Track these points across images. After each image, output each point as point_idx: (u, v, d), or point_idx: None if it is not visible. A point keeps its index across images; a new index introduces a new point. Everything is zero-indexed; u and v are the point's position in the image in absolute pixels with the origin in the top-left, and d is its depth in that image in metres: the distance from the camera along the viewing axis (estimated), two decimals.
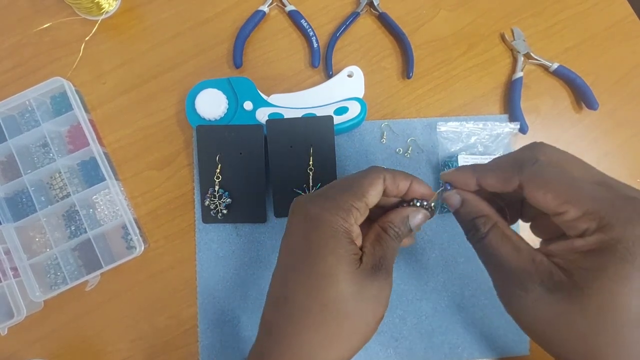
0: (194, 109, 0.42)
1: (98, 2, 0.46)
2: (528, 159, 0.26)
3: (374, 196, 0.28)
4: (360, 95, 0.44)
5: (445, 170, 0.30)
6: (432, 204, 0.30)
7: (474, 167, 0.28)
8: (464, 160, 0.42)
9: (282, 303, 0.28)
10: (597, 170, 0.26)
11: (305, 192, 0.41)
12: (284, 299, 0.28)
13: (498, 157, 0.29)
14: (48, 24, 0.48)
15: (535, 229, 0.31)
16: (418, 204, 0.29)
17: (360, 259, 0.27)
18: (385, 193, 0.29)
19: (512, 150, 0.43)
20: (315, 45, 0.46)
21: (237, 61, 0.46)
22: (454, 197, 0.29)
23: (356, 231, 0.27)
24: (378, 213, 0.30)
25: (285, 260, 0.29)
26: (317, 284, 0.26)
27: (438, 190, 0.30)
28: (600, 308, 0.22)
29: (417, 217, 0.29)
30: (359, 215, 0.27)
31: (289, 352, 0.26)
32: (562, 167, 0.26)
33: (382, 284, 0.27)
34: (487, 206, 0.28)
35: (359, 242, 0.28)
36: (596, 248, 0.23)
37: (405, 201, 0.30)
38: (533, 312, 0.24)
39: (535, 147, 0.27)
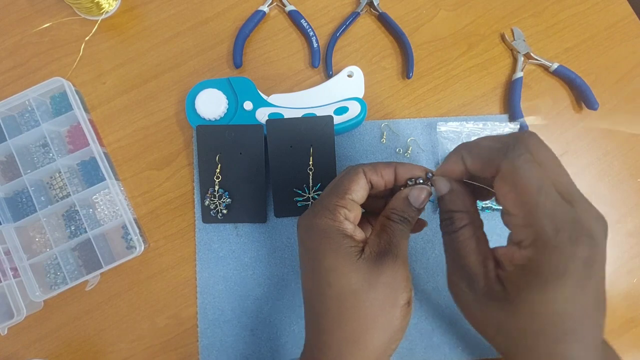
0: (194, 109, 0.42)
1: (98, 2, 0.46)
2: (516, 148, 0.25)
3: (357, 191, 0.29)
4: (360, 95, 0.44)
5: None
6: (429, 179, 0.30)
7: (462, 153, 0.28)
8: None
9: (308, 313, 0.30)
10: (570, 181, 0.26)
11: (305, 192, 0.41)
12: (308, 309, 0.30)
13: (490, 137, 0.28)
14: (48, 24, 0.48)
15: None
16: (412, 183, 0.30)
17: (363, 250, 0.28)
18: (374, 185, 0.30)
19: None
20: (315, 45, 0.46)
21: (237, 61, 0.46)
22: (443, 184, 0.29)
23: (349, 227, 0.28)
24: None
25: (302, 274, 0.31)
26: (325, 282, 0.27)
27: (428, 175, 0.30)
28: (523, 320, 0.25)
29: (415, 193, 0.29)
30: (348, 212, 0.29)
31: (320, 355, 0.28)
32: (543, 169, 0.25)
33: (391, 269, 0.27)
34: (471, 202, 0.29)
35: (358, 235, 0.29)
36: (526, 264, 0.24)
37: (402, 187, 0.31)
38: (473, 307, 0.28)
39: (527, 137, 0.26)
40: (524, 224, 0.24)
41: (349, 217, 0.29)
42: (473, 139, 0.43)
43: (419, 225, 0.34)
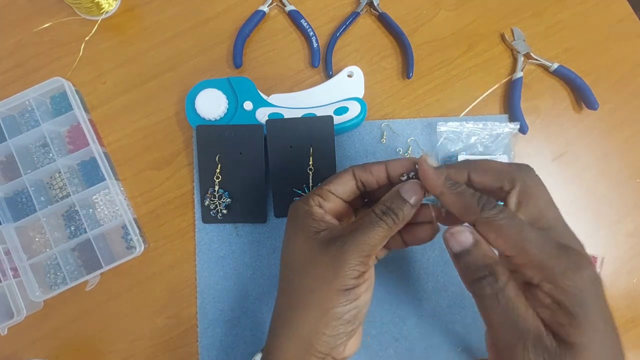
0: (194, 109, 0.42)
1: (98, 2, 0.46)
2: (488, 202, 0.26)
3: (338, 185, 0.31)
4: (360, 95, 0.44)
5: (431, 157, 0.29)
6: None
7: (447, 175, 0.28)
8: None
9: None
10: (556, 212, 0.27)
11: (305, 192, 0.41)
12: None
13: (485, 166, 0.28)
14: (48, 24, 0.48)
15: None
16: (404, 178, 0.30)
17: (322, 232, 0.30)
18: (364, 182, 0.31)
19: (512, 152, 0.43)
20: (315, 45, 0.46)
21: (237, 61, 0.46)
22: (465, 236, 0.26)
23: (318, 211, 0.30)
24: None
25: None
26: (284, 251, 0.31)
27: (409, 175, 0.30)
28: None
29: (406, 187, 0.29)
30: (322, 200, 0.31)
31: (272, 319, 0.31)
32: (523, 208, 0.26)
33: (336, 251, 0.28)
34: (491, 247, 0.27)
35: (328, 220, 0.30)
36: (553, 302, 0.24)
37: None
38: None
39: (521, 170, 0.28)
40: (523, 262, 0.25)
41: (323, 205, 0.31)
42: (473, 139, 0.43)
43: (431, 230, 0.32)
